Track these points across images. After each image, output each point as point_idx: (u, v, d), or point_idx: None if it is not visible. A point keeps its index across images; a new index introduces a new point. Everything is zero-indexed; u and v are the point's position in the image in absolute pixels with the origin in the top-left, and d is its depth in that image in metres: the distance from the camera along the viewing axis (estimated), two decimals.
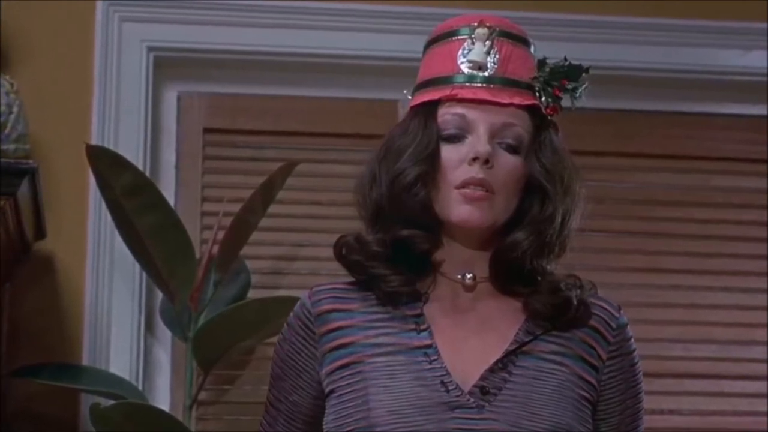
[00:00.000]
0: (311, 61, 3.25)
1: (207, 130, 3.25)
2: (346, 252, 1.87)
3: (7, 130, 2.81)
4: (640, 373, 1.89)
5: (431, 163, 1.82)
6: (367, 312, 1.85)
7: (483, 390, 1.76)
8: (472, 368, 1.78)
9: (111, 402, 2.76)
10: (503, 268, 1.85)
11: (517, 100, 1.84)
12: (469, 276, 1.85)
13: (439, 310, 1.84)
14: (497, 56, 1.85)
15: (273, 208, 2.95)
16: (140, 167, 2.96)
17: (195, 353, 2.89)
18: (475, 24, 1.87)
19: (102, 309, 3.04)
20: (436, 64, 1.88)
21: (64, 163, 3.04)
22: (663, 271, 3.31)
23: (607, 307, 1.88)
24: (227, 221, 2.89)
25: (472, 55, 1.85)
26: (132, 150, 3.05)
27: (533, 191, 1.84)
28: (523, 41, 1.89)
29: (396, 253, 1.84)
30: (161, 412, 2.85)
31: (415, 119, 1.87)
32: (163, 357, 3.13)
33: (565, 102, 1.87)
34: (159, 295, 3.02)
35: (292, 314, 1.90)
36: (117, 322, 3.04)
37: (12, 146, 2.81)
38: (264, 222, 2.95)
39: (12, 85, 2.87)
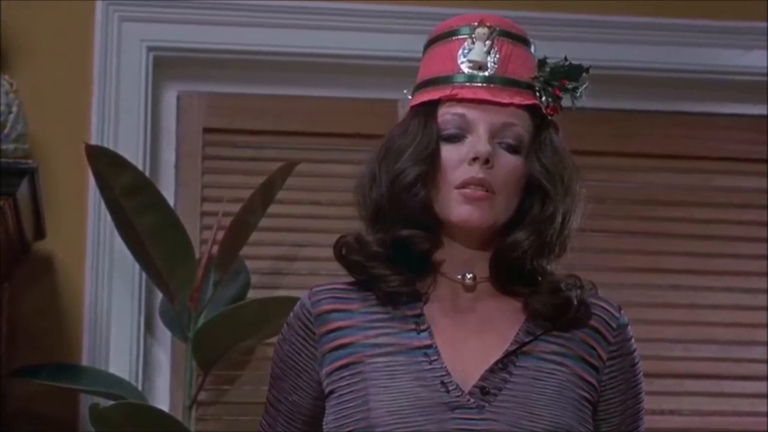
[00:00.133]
0: (311, 61, 3.24)
1: (207, 130, 3.25)
2: (346, 252, 1.87)
3: (6, 130, 2.81)
4: (641, 374, 1.89)
5: (431, 163, 1.82)
6: (367, 312, 1.85)
7: (483, 390, 1.76)
8: (472, 368, 1.78)
9: (110, 402, 2.75)
10: (503, 268, 1.84)
11: (517, 100, 1.84)
12: (469, 276, 1.85)
13: (439, 311, 1.84)
14: (497, 56, 1.85)
15: (273, 208, 2.95)
16: (140, 167, 2.96)
17: (195, 353, 2.89)
18: (476, 24, 1.87)
19: (101, 309, 3.04)
20: (436, 63, 1.88)
21: (63, 162, 3.04)
22: (663, 271, 3.30)
23: (608, 307, 1.88)
24: (227, 221, 2.89)
25: (472, 54, 1.85)
26: (131, 150, 3.05)
27: (533, 191, 1.84)
28: (524, 41, 1.89)
29: (396, 253, 1.84)
30: (161, 412, 2.85)
31: (415, 119, 1.87)
32: (162, 357, 3.13)
33: (566, 102, 1.87)
34: (159, 295, 3.02)
35: (291, 314, 1.90)
36: (116, 323, 3.04)
37: (11, 146, 2.80)
38: (264, 222, 2.95)
39: (11, 84, 2.87)
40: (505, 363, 1.78)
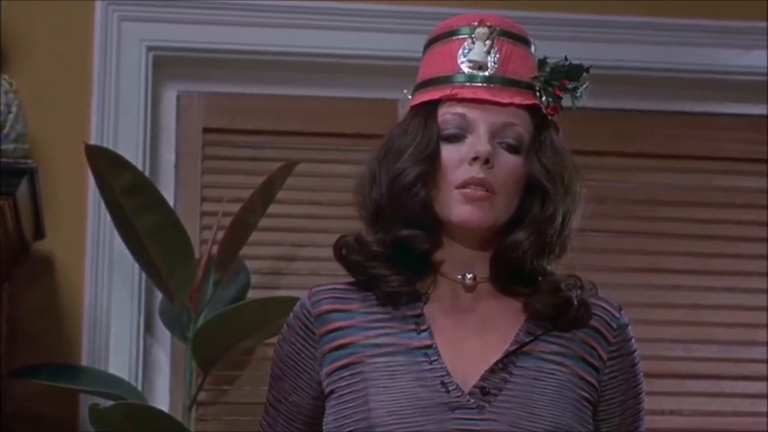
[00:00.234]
0: (311, 61, 3.24)
1: (206, 130, 3.25)
2: (346, 252, 1.87)
3: (6, 130, 2.80)
4: (641, 374, 1.89)
5: (431, 163, 1.82)
6: (367, 312, 1.85)
7: (483, 390, 1.75)
8: (473, 369, 1.77)
9: (110, 402, 2.75)
10: (504, 268, 1.84)
11: (517, 100, 1.83)
12: (469, 276, 1.85)
13: (439, 311, 1.84)
14: (497, 56, 1.85)
15: (272, 208, 2.95)
16: (139, 167, 2.96)
17: (194, 354, 2.88)
18: (476, 23, 1.87)
19: (101, 309, 3.04)
20: (436, 63, 1.87)
21: (63, 162, 3.04)
22: (664, 271, 3.30)
23: (608, 307, 1.88)
24: (227, 221, 2.89)
25: (472, 54, 1.85)
26: (131, 150, 3.05)
27: (534, 191, 1.84)
28: (524, 41, 1.89)
29: (396, 253, 1.84)
30: (160, 412, 2.85)
31: (415, 119, 1.86)
32: (162, 357, 3.12)
33: (566, 102, 1.87)
34: (158, 295, 3.01)
35: (291, 314, 1.90)
36: (116, 323, 3.04)
37: (11, 146, 2.80)
38: (263, 222, 2.95)
39: (11, 84, 2.87)
40: (505, 363, 1.78)
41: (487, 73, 1.84)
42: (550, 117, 1.86)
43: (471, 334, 1.82)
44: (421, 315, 1.82)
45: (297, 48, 3.22)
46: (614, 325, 1.86)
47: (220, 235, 2.90)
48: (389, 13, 3.23)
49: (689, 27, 3.33)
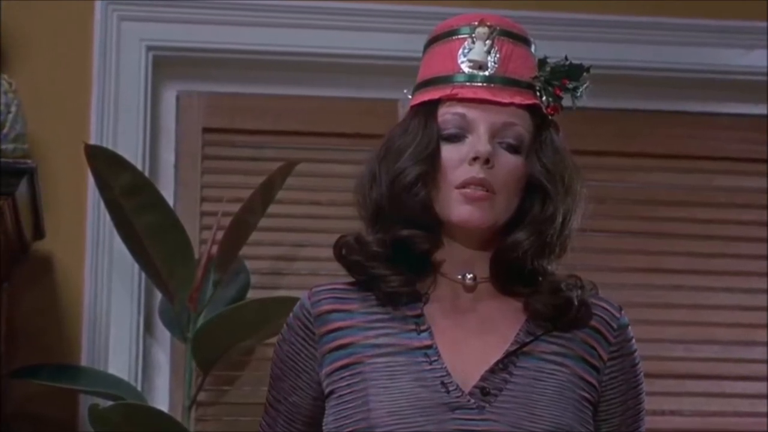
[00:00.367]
0: (311, 61, 3.24)
1: (206, 130, 3.25)
2: (346, 252, 1.86)
3: (5, 130, 2.80)
4: (642, 374, 1.88)
5: (431, 162, 1.82)
6: (367, 312, 1.84)
7: (483, 391, 1.75)
8: (473, 369, 1.77)
9: (110, 403, 2.75)
10: (504, 268, 1.84)
11: (517, 100, 1.83)
12: (469, 276, 1.85)
13: (439, 311, 1.83)
14: (498, 55, 1.85)
15: (272, 208, 2.95)
16: (139, 167, 2.96)
17: (194, 354, 2.88)
18: (476, 23, 1.86)
19: (101, 309, 3.03)
20: (437, 63, 1.87)
21: (62, 162, 3.03)
22: (664, 271, 3.30)
23: (608, 307, 1.88)
24: (226, 221, 2.88)
25: (472, 54, 1.85)
26: (131, 150, 3.05)
27: (534, 191, 1.84)
28: (524, 40, 1.89)
29: (396, 253, 1.83)
30: (160, 412, 2.84)
31: (415, 119, 1.86)
32: (162, 357, 3.12)
33: (566, 101, 1.87)
34: (158, 295, 3.01)
35: (291, 315, 1.90)
36: (116, 323, 3.04)
37: (10, 146, 2.80)
38: (263, 222, 2.95)
39: (10, 84, 2.87)
40: (505, 363, 1.78)
41: (487, 73, 1.84)
42: (550, 117, 1.86)
43: (471, 335, 1.81)
44: (421, 315, 1.82)
45: (297, 48, 3.22)
46: (615, 326, 1.86)
47: (220, 235, 2.90)
48: (389, 13, 3.23)
49: (689, 27, 3.33)
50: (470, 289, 1.85)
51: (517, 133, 1.82)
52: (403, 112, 1.97)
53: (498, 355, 1.78)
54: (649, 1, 3.32)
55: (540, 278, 1.84)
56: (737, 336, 3.29)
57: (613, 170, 3.32)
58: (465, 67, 1.84)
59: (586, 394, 1.80)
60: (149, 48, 3.17)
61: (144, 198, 2.79)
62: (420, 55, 1.92)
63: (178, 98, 3.25)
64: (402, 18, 3.20)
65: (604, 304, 1.87)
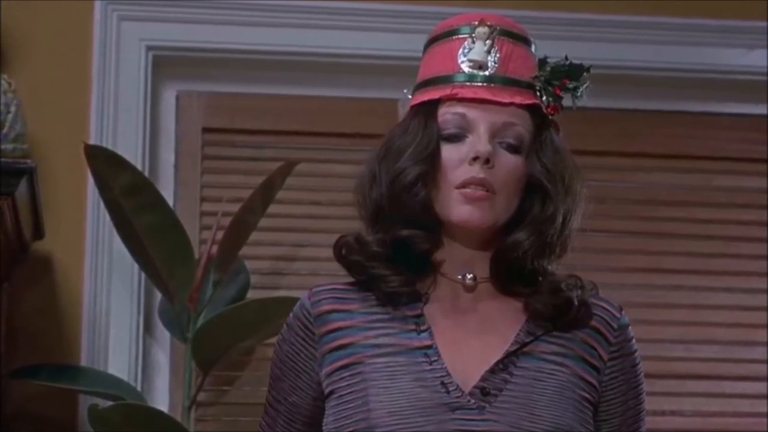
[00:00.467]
0: (311, 61, 3.24)
1: (206, 130, 3.25)
2: (345, 252, 1.86)
3: (5, 130, 2.80)
4: (642, 374, 1.88)
5: (431, 162, 1.82)
6: (367, 312, 1.84)
7: (483, 391, 1.75)
8: (473, 369, 1.77)
9: (109, 403, 2.75)
10: (504, 268, 1.84)
11: (517, 100, 1.83)
12: (469, 276, 1.84)
13: (439, 311, 1.83)
14: (498, 55, 1.84)
15: (272, 208, 2.95)
16: (139, 167, 2.96)
17: (194, 354, 2.88)
18: (476, 23, 1.86)
19: (100, 309, 3.03)
20: (437, 63, 1.87)
21: (62, 162, 3.03)
22: (665, 271, 3.30)
23: (609, 307, 1.87)
24: (226, 221, 2.88)
25: (472, 54, 1.85)
26: (131, 150, 3.04)
27: (534, 191, 1.84)
28: (524, 40, 1.88)
29: (396, 253, 1.83)
30: (160, 413, 2.84)
31: (415, 119, 1.86)
32: (161, 358, 3.12)
33: (566, 101, 1.87)
34: (158, 295, 3.01)
35: (291, 315, 1.90)
36: (115, 323, 3.04)
37: (10, 146, 2.80)
38: (263, 222, 2.95)
39: (10, 84, 2.87)
40: (505, 363, 1.78)
41: (487, 73, 1.83)
42: (550, 117, 1.86)
43: (471, 335, 1.81)
44: (421, 315, 1.82)
45: (297, 48, 3.22)
46: (615, 326, 1.86)
47: (220, 235, 2.90)
48: (389, 13, 3.23)
49: (689, 27, 3.33)
50: (470, 289, 1.85)
51: (517, 133, 1.82)
52: (403, 112, 1.97)
53: (498, 355, 1.78)
54: (649, 1, 3.32)
55: (540, 278, 1.84)
56: (737, 336, 3.29)
57: (613, 170, 3.32)
58: (465, 67, 1.84)
59: (587, 395, 1.80)
60: (149, 48, 3.17)
61: (144, 198, 2.78)
62: (420, 55, 1.92)
63: (177, 98, 3.25)
64: (402, 18, 3.20)
65: (605, 304, 1.87)
